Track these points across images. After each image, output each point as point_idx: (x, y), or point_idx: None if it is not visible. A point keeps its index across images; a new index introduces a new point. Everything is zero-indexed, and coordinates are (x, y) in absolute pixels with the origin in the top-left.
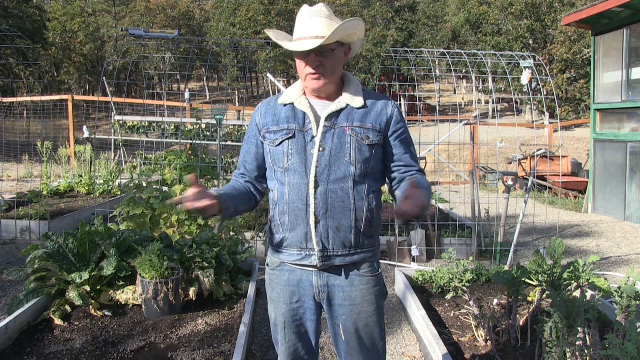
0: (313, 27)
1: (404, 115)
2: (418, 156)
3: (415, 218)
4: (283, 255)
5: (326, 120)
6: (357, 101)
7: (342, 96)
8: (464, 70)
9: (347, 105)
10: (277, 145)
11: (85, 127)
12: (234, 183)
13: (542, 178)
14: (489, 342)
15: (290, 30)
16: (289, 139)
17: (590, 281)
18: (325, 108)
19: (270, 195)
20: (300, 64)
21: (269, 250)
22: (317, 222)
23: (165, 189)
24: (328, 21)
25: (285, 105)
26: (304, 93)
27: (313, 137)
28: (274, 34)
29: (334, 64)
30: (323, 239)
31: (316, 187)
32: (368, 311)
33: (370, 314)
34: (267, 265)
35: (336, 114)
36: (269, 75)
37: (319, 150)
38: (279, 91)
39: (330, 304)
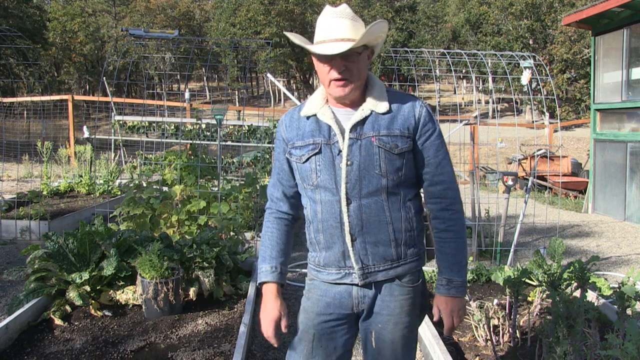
0: (338, 29)
1: (433, 116)
2: None
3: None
4: (322, 275)
5: (351, 131)
6: (382, 106)
7: (366, 102)
8: (464, 70)
9: (372, 111)
10: (304, 162)
11: (85, 127)
12: (275, 228)
13: (542, 178)
14: (489, 342)
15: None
16: (315, 154)
17: (590, 281)
18: (349, 117)
19: (304, 211)
20: (323, 69)
21: (308, 267)
22: (353, 240)
23: (165, 189)
24: (353, 23)
25: (308, 117)
26: (327, 101)
27: (340, 151)
28: (297, 38)
29: (360, 67)
30: (362, 256)
31: (348, 204)
32: (405, 322)
33: (406, 325)
34: (307, 276)
35: (361, 123)
36: (269, 75)
37: (347, 164)
38: (279, 91)
39: (368, 312)
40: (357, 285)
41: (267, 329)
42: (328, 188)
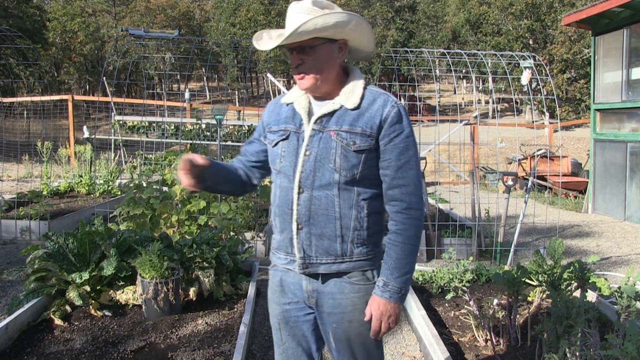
0: (290, 25)
1: (406, 117)
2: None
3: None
4: (275, 258)
5: (315, 122)
6: (352, 101)
7: (339, 95)
8: (464, 70)
9: (342, 106)
10: (273, 146)
11: (85, 127)
12: (229, 162)
13: (542, 178)
14: (489, 342)
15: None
16: (282, 140)
17: (590, 281)
18: (321, 109)
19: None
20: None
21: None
22: (299, 229)
23: (165, 189)
24: (306, 17)
25: (287, 104)
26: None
27: (304, 140)
28: (256, 36)
29: (319, 60)
30: (305, 246)
31: (300, 193)
32: (360, 319)
33: (362, 323)
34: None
35: (329, 116)
36: (269, 75)
37: (305, 154)
38: (279, 91)
39: (320, 310)
40: (297, 272)
41: (181, 165)
42: (287, 175)
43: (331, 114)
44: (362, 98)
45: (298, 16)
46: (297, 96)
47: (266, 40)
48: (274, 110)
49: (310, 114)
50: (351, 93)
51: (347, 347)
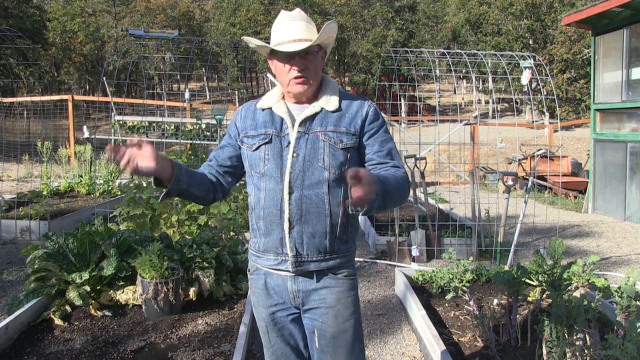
0: (295, 31)
1: (381, 114)
2: (417, 156)
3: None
4: (261, 260)
5: (300, 125)
6: (332, 104)
7: (318, 100)
8: (464, 70)
9: (322, 109)
10: (254, 150)
11: (85, 127)
12: (199, 169)
13: (542, 178)
14: (489, 342)
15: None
16: (265, 143)
17: (590, 281)
18: (301, 112)
19: (248, 199)
20: (283, 69)
21: (249, 255)
22: (291, 228)
23: None
24: (307, 24)
25: (263, 109)
26: (283, 97)
27: (289, 143)
28: (256, 41)
29: (317, 66)
30: (297, 244)
31: (290, 193)
32: (344, 315)
33: (346, 318)
34: (248, 270)
35: (310, 119)
36: (269, 75)
37: (293, 155)
38: None
39: (306, 308)
40: (290, 272)
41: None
42: (273, 176)
43: (312, 117)
44: (340, 101)
45: (300, 23)
46: (274, 101)
47: (288, 44)
48: (247, 116)
49: (290, 117)
50: (330, 97)
51: (332, 345)
